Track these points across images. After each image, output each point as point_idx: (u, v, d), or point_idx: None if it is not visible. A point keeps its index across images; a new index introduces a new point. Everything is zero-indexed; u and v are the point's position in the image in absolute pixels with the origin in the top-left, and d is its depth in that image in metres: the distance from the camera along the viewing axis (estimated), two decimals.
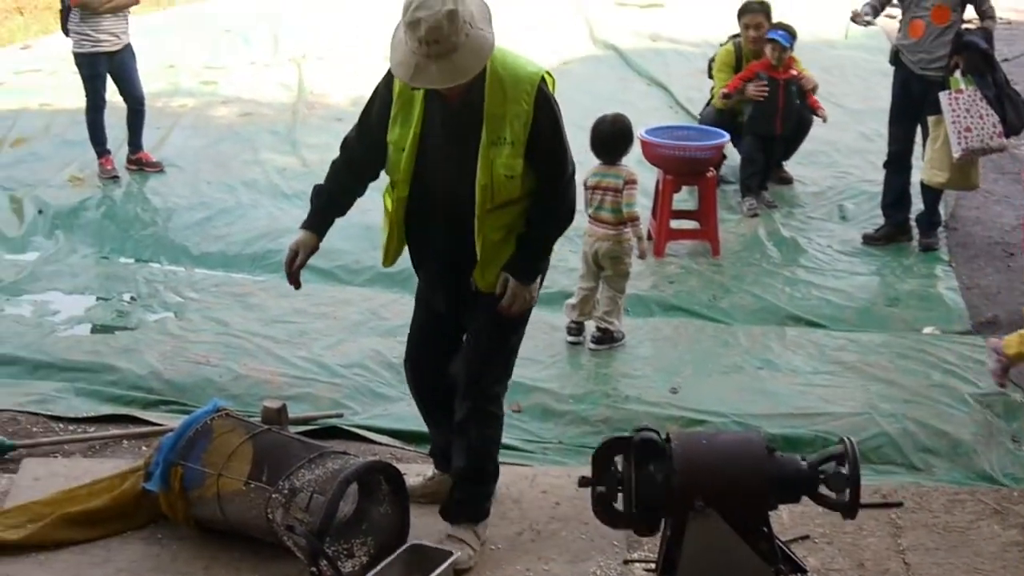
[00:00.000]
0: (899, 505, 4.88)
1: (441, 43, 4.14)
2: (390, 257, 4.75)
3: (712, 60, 10.10)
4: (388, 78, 4.52)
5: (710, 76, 10.09)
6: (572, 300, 7.06)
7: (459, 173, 4.45)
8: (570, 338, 7.01)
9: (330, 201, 4.78)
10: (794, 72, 9.37)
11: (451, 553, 4.52)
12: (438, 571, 4.41)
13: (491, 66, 4.36)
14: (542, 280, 4.79)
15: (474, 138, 4.40)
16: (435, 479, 5.11)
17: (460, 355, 4.82)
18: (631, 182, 6.85)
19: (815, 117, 9.55)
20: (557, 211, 4.63)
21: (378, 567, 4.46)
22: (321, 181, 4.81)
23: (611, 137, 6.94)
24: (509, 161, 4.41)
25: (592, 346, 6.94)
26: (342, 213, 4.82)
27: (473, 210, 4.47)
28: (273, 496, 4.49)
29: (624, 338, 7.00)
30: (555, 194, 4.58)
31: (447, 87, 4.27)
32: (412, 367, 4.99)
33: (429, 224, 4.64)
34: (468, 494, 4.81)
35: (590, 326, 7.02)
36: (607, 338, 6.93)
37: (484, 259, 4.56)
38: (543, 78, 4.45)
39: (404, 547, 4.56)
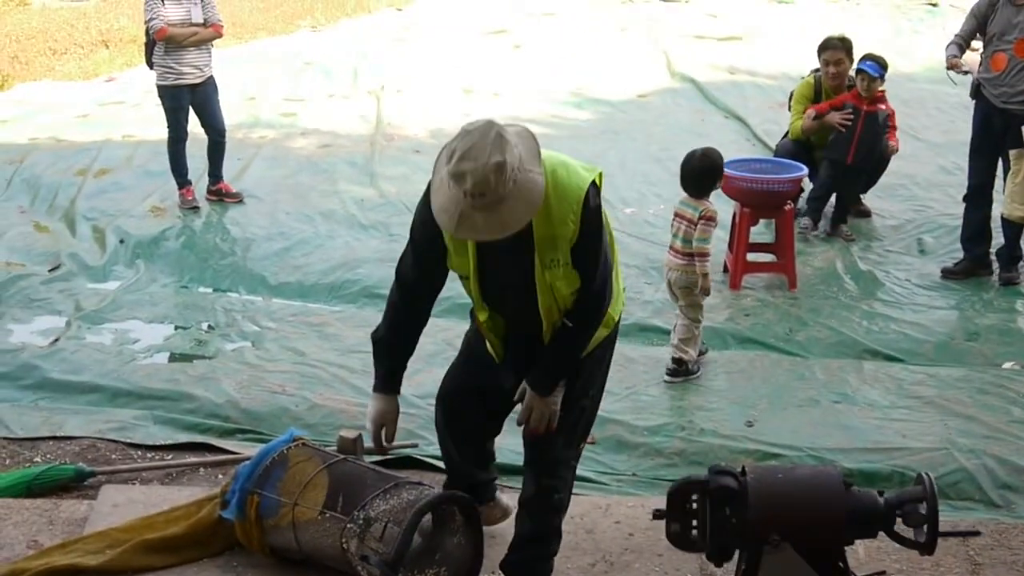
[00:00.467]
0: (977, 534, 4.79)
1: (488, 195, 3.89)
2: (500, 356, 4.60)
3: (791, 94, 10.07)
4: (427, 210, 4.18)
5: (790, 109, 10.05)
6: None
7: (524, 295, 4.29)
8: (667, 378, 6.97)
9: (398, 357, 4.61)
10: (882, 107, 9.30)
11: None
12: None
13: None
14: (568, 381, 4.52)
15: (528, 262, 4.20)
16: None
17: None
18: (707, 218, 6.84)
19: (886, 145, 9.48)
20: (586, 317, 4.38)
21: None
22: (389, 254, 4.67)
23: (697, 172, 6.98)
24: (566, 280, 4.25)
25: (666, 378, 6.92)
26: (409, 357, 4.66)
27: (542, 325, 4.35)
28: (348, 526, 4.52)
29: (700, 371, 6.97)
30: (588, 298, 4.34)
31: (495, 239, 4.04)
32: (446, 409, 4.81)
33: (512, 331, 4.55)
34: (531, 554, 4.68)
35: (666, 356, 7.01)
36: (681, 370, 6.91)
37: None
38: (589, 189, 4.18)
39: None
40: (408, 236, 4.45)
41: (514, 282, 4.29)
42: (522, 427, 4.53)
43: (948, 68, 8.52)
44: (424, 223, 4.25)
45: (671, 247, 6.98)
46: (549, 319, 4.32)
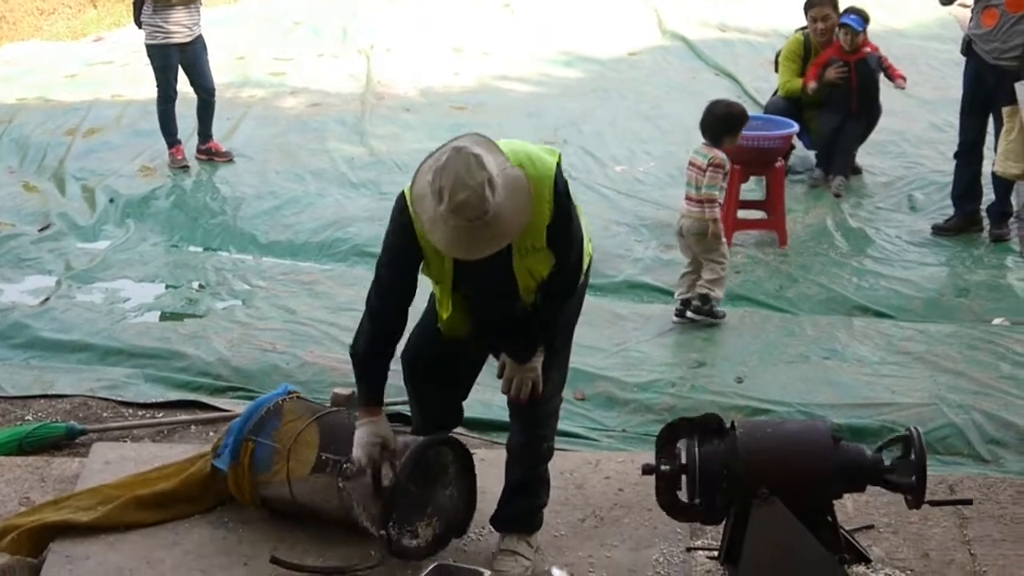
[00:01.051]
0: (969, 502, 4.81)
1: (489, 212, 3.97)
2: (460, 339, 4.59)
3: (779, 53, 10.06)
4: (403, 217, 4.24)
5: (776, 69, 10.05)
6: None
7: (500, 286, 4.33)
8: (674, 318, 7.16)
9: (381, 373, 4.50)
10: (867, 49, 9.37)
11: (481, 572, 4.43)
12: None
13: None
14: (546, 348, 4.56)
15: (505, 253, 4.19)
16: None
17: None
18: (716, 165, 6.96)
19: (895, 86, 9.58)
20: (563, 290, 4.46)
21: None
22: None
23: (712, 120, 7.18)
24: (544, 264, 4.32)
25: (690, 314, 7.10)
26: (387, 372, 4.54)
27: (521, 309, 4.40)
28: (345, 465, 4.50)
29: (724, 317, 7.10)
30: (565, 273, 4.41)
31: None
32: (412, 370, 4.78)
33: (481, 328, 4.55)
34: (522, 506, 4.71)
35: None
36: (705, 308, 7.06)
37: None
38: (556, 173, 4.25)
39: (431, 568, 4.44)
40: (377, 262, 4.43)
41: (491, 276, 4.31)
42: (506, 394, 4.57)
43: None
44: (399, 238, 4.28)
45: (686, 196, 7.14)
46: (529, 297, 4.38)
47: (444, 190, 3.96)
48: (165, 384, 6.44)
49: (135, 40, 11.08)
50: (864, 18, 9.39)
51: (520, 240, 4.21)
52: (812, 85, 9.42)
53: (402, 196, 4.26)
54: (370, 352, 4.45)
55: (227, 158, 10.34)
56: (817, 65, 9.44)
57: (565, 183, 4.33)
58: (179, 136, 10.29)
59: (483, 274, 4.30)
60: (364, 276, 7.94)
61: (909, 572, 4.60)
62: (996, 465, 5.62)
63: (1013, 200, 8.69)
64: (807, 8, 9.66)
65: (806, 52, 9.67)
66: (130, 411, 6.14)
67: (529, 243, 4.25)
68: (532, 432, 4.63)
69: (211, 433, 5.83)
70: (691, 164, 7.12)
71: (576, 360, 6.12)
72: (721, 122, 7.14)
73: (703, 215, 6.99)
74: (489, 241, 4.05)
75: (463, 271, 4.32)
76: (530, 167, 4.18)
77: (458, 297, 4.45)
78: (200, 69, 10.13)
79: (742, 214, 8.52)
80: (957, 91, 8.74)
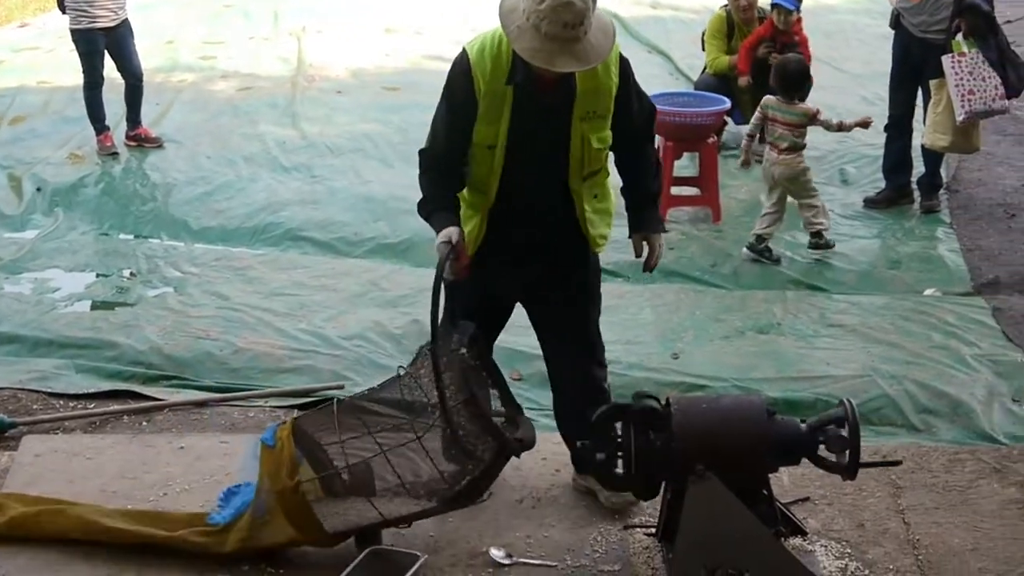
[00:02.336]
0: (898, 463, 4.87)
1: (584, 23, 4.11)
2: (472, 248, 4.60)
3: (703, 31, 10.08)
4: (464, 78, 4.38)
5: (703, 47, 10.07)
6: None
7: (550, 153, 4.44)
8: (745, 251, 7.75)
9: (451, 199, 4.55)
10: (796, 39, 9.37)
11: (417, 556, 4.42)
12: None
13: None
14: None
15: (565, 115, 4.39)
16: None
17: (555, 340, 4.85)
18: (812, 116, 7.64)
19: None
20: (655, 161, 4.77)
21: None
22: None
23: (794, 75, 7.72)
24: (600, 133, 4.45)
25: (809, 250, 7.76)
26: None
27: (564, 185, 4.50)
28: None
29: (835, 245, 7.75)
30: (651, 147, 4.75)
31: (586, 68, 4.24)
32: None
33: (513, 215, 4.57)
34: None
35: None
36: (822, 242, 7.71)
37: (590, 223, 4.60)
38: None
39: (364, 553, 4.41)
40: (435, 115, 4.53)
41: (545, 137, 4.42)
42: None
43: None
44: (457, 92, 4.40)
45: (773, 146, 7.68)
46: (576, 168, 4.49)
47: None
48: (97, 374, 6.34)
49: (60, 25, 10.91)
50: None
51: (583, 102, 4.37)
52: (746, 80, 9.39)
53: (463, 51, 4.40)
54: (436, 193, 4.53)
55: (157, 144, 10.22)
56: (746, 48, 9.43)
57: (629, 64, 4.53)
58: (107, 122, 10.15)
59: (537, 133, 4.40)
60: (298, 260, 7.93)
61: (845, 543, 4.64)
62: (929, 434, 5.68)
63: (943, 171, 8.76)
64: None
65: (729, 29, 9.71)
66: (61, 403, 6.03)
67: (591, 108, 4.40)
68: (592, 357, 4.83)
69: (144, 423, 5.76)
70: (772, 120, 7.66)
71: (513, 340, 6.14)
72: (803, 76, 7.78)
73: (793, 162, 7.58)
74: (575, 56, 4.14)
75: (518, 127, 4.39)
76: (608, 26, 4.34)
77: (502, 166, 4.46)
78: (126, 54, 10.00)
79: (676, 191, 8.54)
80: (887, 65, 8.81)
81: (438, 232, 4.45)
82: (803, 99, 7.80)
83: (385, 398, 4.56)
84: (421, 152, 4.59)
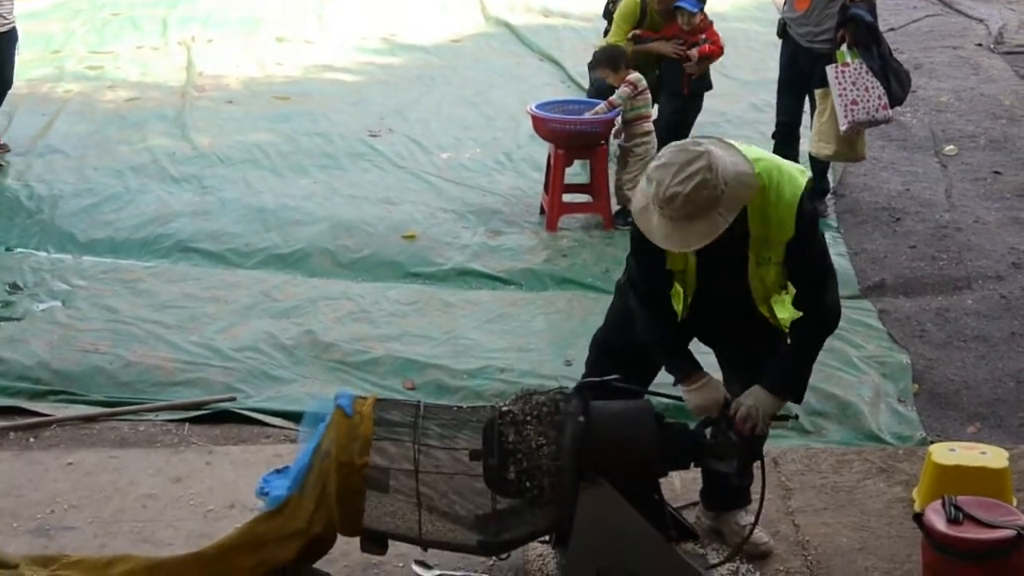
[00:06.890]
0: (796, 417, 4.93)
1: (698, 201, 4.02)
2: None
3: (610, 4, 9.72)
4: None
5: (605, 15, 9.82)
6: None
7: (734, 288, 4.39)
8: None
9: (678, 345, 4.57)
10: (703, 37, 9.16)
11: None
12: None
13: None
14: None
15: (743, 258, 4.32)
16: None
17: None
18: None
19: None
20: (822, 315, 4.41)
21: None
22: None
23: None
24: (777, 278, 4.38)
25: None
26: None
27: (751, 305, 4.44)
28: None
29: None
30: (817, 298, 4.38)
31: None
32: (601, 352, 4.86)
33: (703, 329, 4.65)
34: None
35: None
36: None
37: (781, 322, 4.49)
38: (803, 193, 4.24)
39: None
40: (627, 256, 4.60)
41: (727, 275, 4.37)
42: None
43: None
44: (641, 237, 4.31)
45: None
46: (761, 297, 4.42)
47: (663, 179, 4.05)
48: None
49: None
50: None
51: (758, 249, 4.28)
52: (634, 41, 9.14)
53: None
54: (657, 332, 4.51)
55: (5, 150, 10.00)
56: (659, 38, 9.23)
57: (814, 210, 4.44)
58: None
59: (719, 272, 4.36)
60: (188, 272, 7.84)
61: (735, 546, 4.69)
62: (818, 436, 5.78)
63: (830, 177, 8.90)
64: None
65: (641, 16, 9.42)
66: None
67: (767, 254, 4.29)
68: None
69: (31, 440, 5.67)
70: None
71: (405, 349, 6.13)
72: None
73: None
74: (691, 235, 4.09)
75: (704, 267, 4.37)
76: (777, 176, 4.23)
77: (693, 292, 4.47)
78: (7, 61, 9.78)
79: (567, 198, 8.57)
80: (775, 72, 8.91)
81: (686, 387, 4.51)
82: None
83: (471, 422, 4.45)
84: (625, 288, 4.64)
